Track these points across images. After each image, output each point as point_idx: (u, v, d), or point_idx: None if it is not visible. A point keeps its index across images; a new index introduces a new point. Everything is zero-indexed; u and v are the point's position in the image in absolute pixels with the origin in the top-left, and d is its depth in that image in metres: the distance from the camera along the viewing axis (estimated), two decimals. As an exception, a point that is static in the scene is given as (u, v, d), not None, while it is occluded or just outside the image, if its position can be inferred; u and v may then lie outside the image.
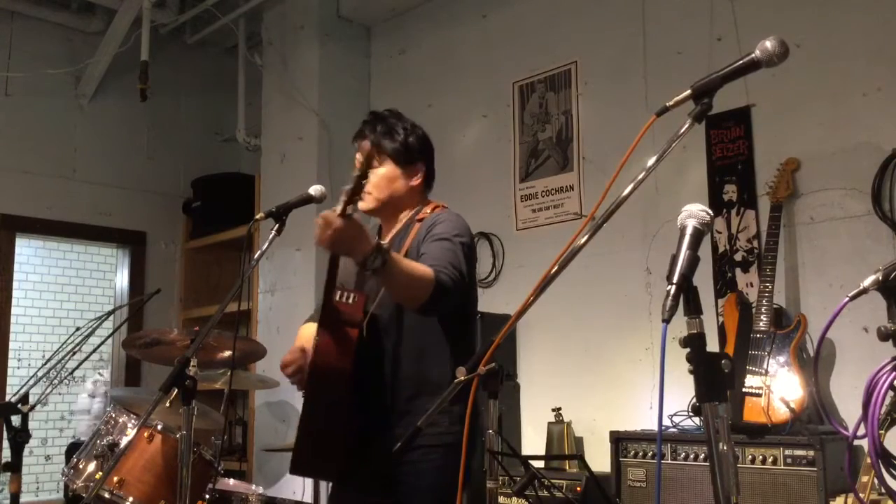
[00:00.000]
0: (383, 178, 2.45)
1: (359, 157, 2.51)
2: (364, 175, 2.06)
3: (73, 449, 4.47)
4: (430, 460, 2.31)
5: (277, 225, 2.37)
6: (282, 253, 4.90)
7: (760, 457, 2.92)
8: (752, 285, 3.40)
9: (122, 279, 5.68)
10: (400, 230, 2.50)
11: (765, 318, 3.14)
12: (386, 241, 2.46)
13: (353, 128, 2.69)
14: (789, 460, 2.86)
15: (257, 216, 2.43)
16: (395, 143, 2.47)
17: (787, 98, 3.43)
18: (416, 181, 2.50)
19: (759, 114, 3.51)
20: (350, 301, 2.26)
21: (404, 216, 2.52)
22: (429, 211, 2.49)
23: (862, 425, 1.54)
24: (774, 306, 3.16)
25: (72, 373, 3.79)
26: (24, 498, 3.36)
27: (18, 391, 3.26)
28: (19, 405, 3.17)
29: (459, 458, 1.90)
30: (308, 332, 2.57)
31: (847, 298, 1.50)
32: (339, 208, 2.02)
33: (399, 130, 2.49)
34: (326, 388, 2.24)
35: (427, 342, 2.37)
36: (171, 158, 5.75)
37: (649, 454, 3.24)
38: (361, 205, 2.44)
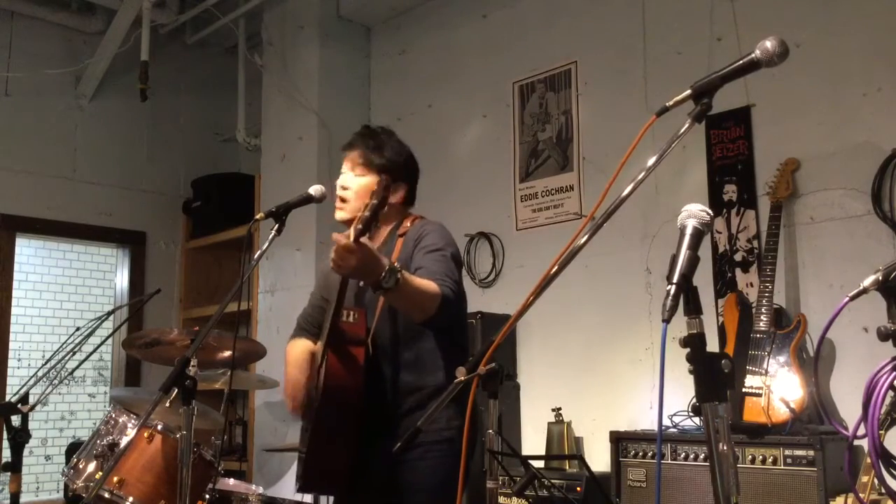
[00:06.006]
0: (365, 188, 2.48)
1: (346, 165, 2.57)
2: (383, 204, 2.09)
3: (73, 449, 4.47)
4: (430, 458, 2.34)
5: (277, 225, 2.39)
6: (282, 253, 4.90)
7: (760, 457, 2.92)
8: (752, 285, 3.40)
9: (122, 279, 5.68)
10: (381, 247, 2.51)
11: (765, 318, 3.14)
12: None
13: (353, 128, 2.70)
14: (789, 460, 2.86)
15: (257, 216, 2.44)
16: (383, 159, 2.52)
17: (787, 98, 3.43)
18: (396, 199, 2.53)
19: (759, 114, 3.51)
20: (352, 319, 2.30)
21: (383, 232, 2.54)
22: (408, 224, 2.54)
23: (862, 425, 1.54)
24: (774, 306, 3.17)
25: (72, 373, 3.78)
26: (24, 498, 3.35)
27: (18, 391, 3.26)
28: (19, 405, 3.17)
29: (459, 455, 1.91)
30: (298, 354, 2.59)
31: (847, 298, 1.50)
32: (351, 234, 2.04)
33: (388, 147, 2.55)
34: (339, 409, 2.27)
35: (422, 350, 2.42)
36: (171, 158, 5.75)
37: (649, 454, 3.24)
38: (338, 214, 2.49)
